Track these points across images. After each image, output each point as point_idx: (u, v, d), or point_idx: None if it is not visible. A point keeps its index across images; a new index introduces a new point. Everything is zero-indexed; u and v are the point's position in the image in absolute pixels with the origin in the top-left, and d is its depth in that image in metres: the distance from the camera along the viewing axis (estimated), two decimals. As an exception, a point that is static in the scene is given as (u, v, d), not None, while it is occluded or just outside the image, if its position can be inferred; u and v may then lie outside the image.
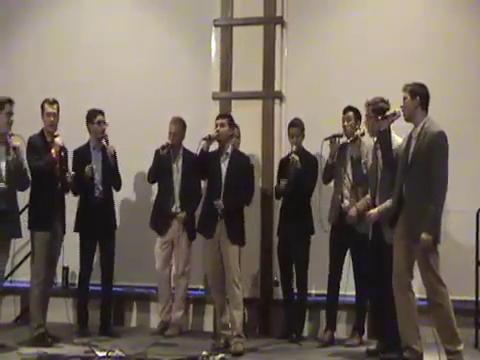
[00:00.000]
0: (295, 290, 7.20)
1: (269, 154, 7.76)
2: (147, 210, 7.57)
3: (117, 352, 6.01)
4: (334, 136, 6.83)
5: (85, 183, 7.04)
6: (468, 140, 7.01)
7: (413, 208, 5.61)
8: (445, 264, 5.66)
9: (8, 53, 8.87)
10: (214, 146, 6.81)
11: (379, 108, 6.14)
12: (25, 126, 6.68)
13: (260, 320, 7.57)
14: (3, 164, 6.40)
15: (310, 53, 7.91)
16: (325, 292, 6.99)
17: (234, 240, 6.55)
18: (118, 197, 7.42)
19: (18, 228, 6.53)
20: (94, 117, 7.19)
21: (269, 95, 7.87)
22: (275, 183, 7.44)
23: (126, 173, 7.44)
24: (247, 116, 7.63)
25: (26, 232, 6.70)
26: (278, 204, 7.41)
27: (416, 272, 5.70)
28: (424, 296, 5.72)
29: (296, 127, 7.15)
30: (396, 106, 5.83)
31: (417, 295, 5.79)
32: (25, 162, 6.64)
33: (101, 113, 7.22)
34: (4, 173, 6.39)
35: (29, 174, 6.65)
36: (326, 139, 6.85)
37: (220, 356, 5.99)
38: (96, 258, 7.30)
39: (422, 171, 5.55)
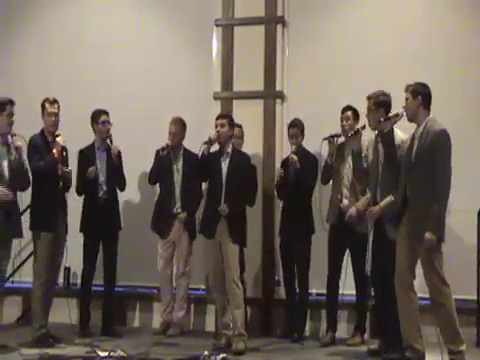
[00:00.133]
0: (298, 290, 7.20)
1: (270, 154, 7.76)
2: (149, 210, 7.57)
3: (119, 352, 6.01)
4: (332, 136, 6.84)
5: (89, 182, 7.05)
6: (469, 140, 7.00)
7: (417, 208, 5.60)
8: (446, 263, 5.65)
9: (9, 53, 8.89)
10: (215, 147, 6.81)
11: (380, 101, 6.15)
12: (26, 126, 6.67)
13: (262, 320, 7.57)
14: (5, 164, 6.41)
15: (311, 53, 7.92)
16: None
17: (235, 240, 6.56)
18: (120, 197, 7.41)
19: (19, 228, 6.53)
20: (99, 117, 7.20)
21: (270, 95, 7.87)
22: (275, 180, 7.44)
23: (128, 173, 7.41)
24: (248, 116, 7.64)
25: (28, 232, 6.70)
26: (279, 204, 7.41)
27: (418, 271, 5.69)
28: (426, 295, 5.71)
29: (296, 127, 7.15)
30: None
31: (419, 294, 5.78)
32: (26, 162, 6.64)
33: (105, 113, 7.23)
34: (7, 173, 6.39)
35: (30, 174, 6.65)
36: (325, 139, 6.86)
37: (222, 356, 5.98)
38: (98, 258, 7.30)
39: (425, 170, 5.55)
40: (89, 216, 7.18)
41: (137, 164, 7.68)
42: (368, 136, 6.43)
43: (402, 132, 6.03)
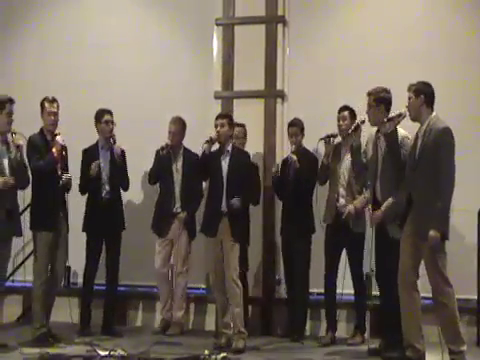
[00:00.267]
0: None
1: (271, 153, 7.76)
2: (150, 210, 7.57)
3: (119, 351, 6.01)
4: (329, 136, 6.84)
5: (92, 181, 7.07)
6: (469, 140, 7.00)
7: (421, 206, 5.60)
8: (447, 263, 5.64)
9: (9, 53, 8.89)
10: (215, 146, 6.81)
11: (380, 98, 6.16)
12: (26, 126, 6.66)
13: (262, 319, 7.58)
14: (5, 162, 6.40)
15: (312, 52, 7.93)
16: (325, 291, 7.01)
17: (236, 239, 6.56)
18: (122, 197, 7.41)
19: (19, 227, 6.53)
20: (102, 116, 7.22)
21: (271, 94, 7.87)
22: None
23: (128, 173, 7.42)
24: (249, 115, 7.64)
25: (28, 231, 6.70)
26: (280, 203, 7.41)
27: (422, 271, 5.69)
28: (428, 295, 5.72)
29: (295, 127, 7.16)
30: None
31: (421, 294, 5.78)
32: (26, 161, 6.64)
33: (109, 113, 7.24)
34: (7, 171, 6.38)
35: (29, 173, 6.65)
36: (321, 139, 6.86)
37: (222, 355, 5.97)
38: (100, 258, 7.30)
39: (429, 168, 5.55)
40: (92, 215, 7.19)
41: (137, 164, 7.66)
42: (368, 131, 6.44)
43: (403, 130, 6.04)
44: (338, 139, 6.92)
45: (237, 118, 7.22)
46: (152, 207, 7.57)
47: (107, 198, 7.17)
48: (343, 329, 7.20)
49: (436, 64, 7.42)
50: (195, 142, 7.24)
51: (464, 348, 5.55)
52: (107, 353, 6.00)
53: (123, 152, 7.29)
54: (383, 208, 6.05)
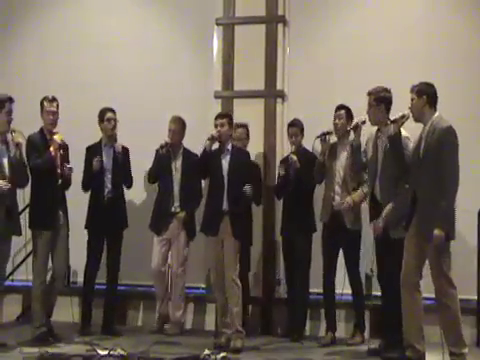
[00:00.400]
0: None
1: (271, 153, 7.77)
2: (150, 209, 7.56)
3: (119, 351, 6.00)
4: (324, 134, 6.84)
5: (94, 177, 7.09)
6: (469, 140, 6.98)
7: (425, 205, 5.60)
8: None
9: (9, 53, 8.88)
10: (214, 146, 6.82)
11: (381, 97, 6.17)
12: (25, 126, 6.67)
13: (262, 319, 7.58)
14: (5, 161, 6.40)
15: (312, 52, 7.93)
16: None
17: (237, 238, 6.55)
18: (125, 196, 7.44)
19: (18, 225, 6.53)
20: (104, 115, 7.26)
21: (271, 94, 7.87)
22: (276, 183, 7.45)
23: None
24: (249, 115, 7.64)
25: (28, 231, 6.69)
26: (280, 203, 7.41)
27: (425, 271, 5.69)
28: (430, 295, 5.73)
29: (295, 127, 7.17)
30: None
31: (423, 294, 5.78)
32: (25, 159, 6.65)
33: (111, 111, 7.28)
34: (7, 170, 6.38)
35: (29, 171, 6.65)
36: (317, 137, 6.87)
37: (222, 355, 5.98)
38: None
39: (433, 168, 5.55)
40: (94, 213, 7.21)
41: (137, 163, 7.64)
42: (368, 131, 6.44)
43: (404, 131, 6.04)
44: (334, 138, 6.92)
45: (237, 118, 7.22)
46: (152, 207, 7.57)
47: (109, 196, 7.19)
48: (343, 329, 7.19)
49: (436, 64, 7.42)
50: (195, 142, 7.25)
51: (465, 350, 5.56)
52: (107, 353, 6.00)
53: (126, 150, 7.32)
54: (383, 216, 6.06)
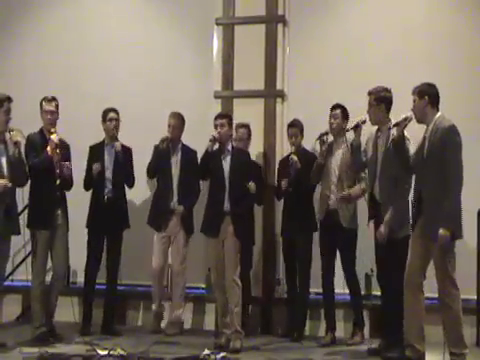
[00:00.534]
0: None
1: (271, 153, 7.77)
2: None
3: (119, 351, 6.00)
4: (322, 135, 6.85)
5: (93, 180, 7.11)
6: (469, 140, 6.97)
7: (431, 205, 5.60)
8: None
9: (8, 53, 8.86)
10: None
11: (381, 97, 6.18)
12: (25, 126, 6.66)
13: (262, 319, 7.58)
14: (3, 160, 6.39)
15: (312, 52, 7.93)
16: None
17: (239, 238, 6.54)
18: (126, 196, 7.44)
19: (17, 225, 6.52)
20: (107, 114, 7.29)
21: (271, 94, 7.87)
22: (275, 183, 7.46)
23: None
24: (249, 115, 7.65)
25: (28, 231, 6.70)
26: (280, 203, 7.41)
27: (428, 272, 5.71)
28: (432, 295, 5.74)
29: (295, 128, 7.17)
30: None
31: (425, 294, 5.79)
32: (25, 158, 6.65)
33: (113, 111, 7.30)
34: (5, 170, 6.37)
35: (27, 170, 6.64)
36: (317, 139, 6.88)
37: (222, 355, 5.98)
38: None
39: (437, 167, 5.55)
40: (94, 213, 7.22)
41: (138, 163, 7.63)
42: (368, 131, 6.44)
43: (405, 132, 6.03)
44: (331, 138, 6.94)
45: (237, 118, 7.21)
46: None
47: (109, 196, 7.20)
48: (343, 329, 7.19)
49: (438, 64, 7.42)
50: (194, 141, 7.25)
51: (466, 351, 5.56)
52: (106, 353, 5.99)
53: (129, 150, 7.36)
54: (386, 221, 6.06)
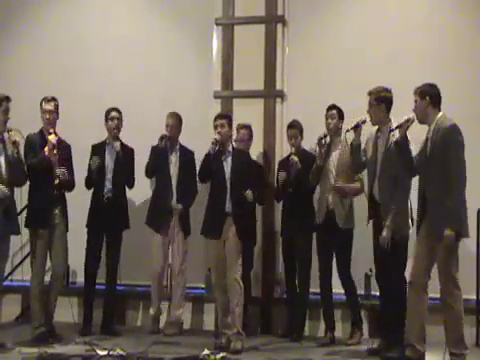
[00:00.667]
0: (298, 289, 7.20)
1: (271, 153, 7.77)
2: (149, 209, 7.57)
3: (118, 351, 5.99)
4: (322, 137, 6.85)
5: (96, 176, 7.11)
6: (470, 140, 6.98)
7: (435, 205, 5.60)
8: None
9: (8, 53, 8.85)
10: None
11: (381, 97, 6.18)
12: (23, 126, 6.63)
13: (261, 319, 7.57)
14: (2, 160, 6.38)
15: (311, 52, 7.93)
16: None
17: (241, 237, 6.53)
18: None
19: (17, 225, 6.51)
20: (109, 114, 7.31)
21: (270, 94, 7.87)
22: (275, 185, 7.45)
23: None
24: (248, 115, 7.64)
25: (27, 231, 6.70)
26: (279, 204, 7.40)
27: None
28: (433, 295, 5.74)
29: (295, 129, 7.18)
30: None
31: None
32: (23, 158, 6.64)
33: (115, 110, 7.32)
34: (4, 169, 6.37)
35: (26, 170, 6.64)
36: (317, 143, 6.86)
37: (221, 355, 5.97)
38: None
39: (440, 167, 5.55)
40: (94, 212, 7.23)
41: (138, 163, 7.64)
42: (368, 130, 6.44)
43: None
44: (328, 139, 6.95)
45: (236, 118, 7.21)
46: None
47: (109, 196, 7.19)
48: (342, 329, 7.18)
49: (438, 64, 7.42)
50: (195, 141, 7.26)
51: (466, 352, 5.57)
52: (106, 353, 5.98)
53: (131, 151, 7.37)
54: (388, 225, 6.06)
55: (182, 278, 7.35)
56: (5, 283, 7.15)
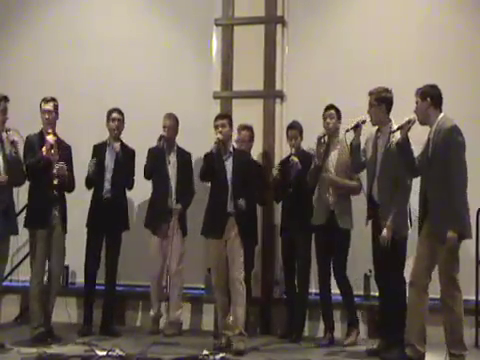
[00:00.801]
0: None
1: (270, 153, 7.77)
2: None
3: (117, 351, 5.99)
4: (321, 137, 6.84)
5: (96, 176, 7.10)
6: (470, 140, 6.98)
7: (436, 206, 5.60)
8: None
9: (7, 53, 8.86)
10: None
11: (382, 97, 6.18)
12: (22, 126, 6.64)
13: (261, 319, 7.57)
14: (0, 159, 6.37)
15: (311, 52, 7.93)
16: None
17: (243, 237, 6.52)
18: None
19: (16, 225, 6.51)
20: (110, 114, 7.31)
21: (270, 94, 7.88)
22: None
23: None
24: (248, 115, 7.64)
25: (26, 231, 6.70)
26: (279, 204, 7.39)
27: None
28: (434, 296, 5.73)
29: (295, 129, 7.17)
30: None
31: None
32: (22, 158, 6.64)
33: (117, 111, 7.34)
34: (2, 169, 6.36)
35: (25, 170, 6.64)
36: (317, 142, 6.86)
37: (221, 355, 5.97)
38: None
39: (441, 168, 5.55)
40: (94, 213, 7.24)
41: (137, 164, 7.64)
42: (368, 131, 6.44)
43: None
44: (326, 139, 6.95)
45: (236, 118, 7.20)
46: (150, 206, 7.57)
47: (108, 196, 7.19)
48: (342, 330, 7.18)
49: (437, 64, 7.42)
50: (194, 141, 7.26)
51: (466, 353, 5.56)
52: (105, 353, 5.98)
53: (132, 152, 7.37)
54: (388, 225, 6.05)
55: (179, 279, 7.34)
56: (4, 283, 7.13)
